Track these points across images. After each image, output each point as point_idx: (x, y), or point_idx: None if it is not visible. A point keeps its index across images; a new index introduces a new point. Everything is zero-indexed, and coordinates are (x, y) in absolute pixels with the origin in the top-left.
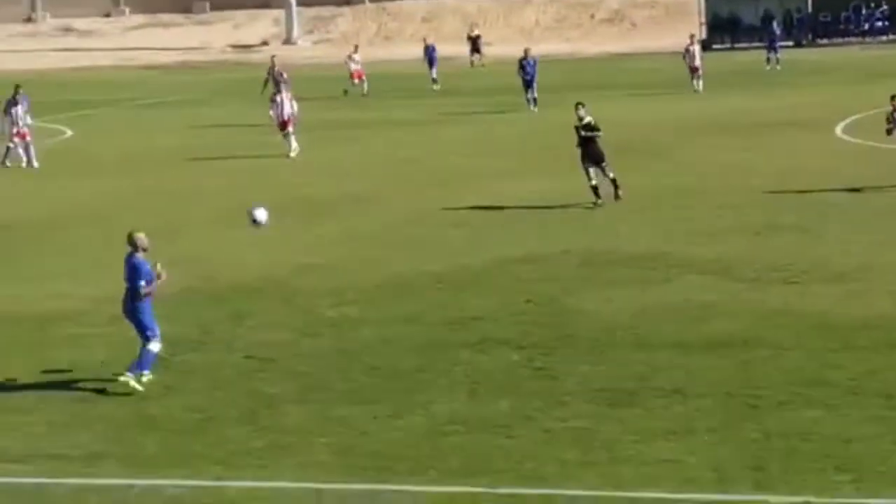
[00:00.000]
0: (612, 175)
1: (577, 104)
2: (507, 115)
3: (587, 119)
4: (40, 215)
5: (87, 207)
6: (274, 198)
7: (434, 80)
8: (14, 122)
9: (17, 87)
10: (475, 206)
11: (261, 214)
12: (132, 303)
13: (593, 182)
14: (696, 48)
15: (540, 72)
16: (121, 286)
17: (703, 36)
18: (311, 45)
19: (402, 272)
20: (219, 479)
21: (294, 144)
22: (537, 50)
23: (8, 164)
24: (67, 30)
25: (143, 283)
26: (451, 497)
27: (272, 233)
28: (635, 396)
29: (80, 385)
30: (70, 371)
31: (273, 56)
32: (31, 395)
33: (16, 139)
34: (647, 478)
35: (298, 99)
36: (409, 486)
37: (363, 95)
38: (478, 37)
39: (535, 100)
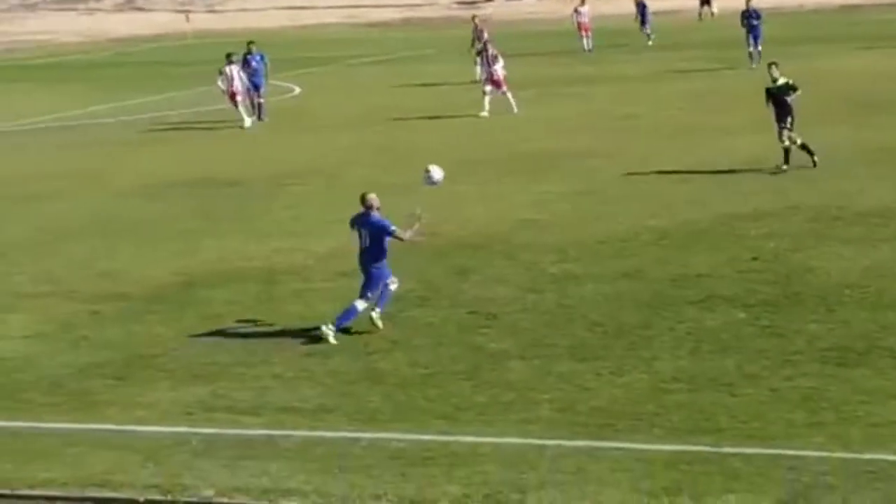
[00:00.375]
0: (798, 141)
1: (770, 63)
2: (732, 70)
3: (782, 80)
4: (269, 172)
5: (313, 164)
6: (496, 154)
7: (648, 36)
8: (238, 80)
9: (249, 43)
10: (699, 162)
11: (437, 173)
12: (373, 263)
13: (785, 144)
14: None
15: (765, 24)
16: (345, 240)
17: None
18: (535, 0)
19: (625, 228)
20: (443, 433)
21: (511, 102)
22: (762, 2)
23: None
24: None
25: (392, 228)
26: (674, 455)
27: (495, 189)
28: (865, 356)
29: (308, 340)
30: (297, 326)
31: (474, 15)
32: (259, 350)
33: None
34: (876, 439)
35: (505, 55)
36: (631, 444)
37: (587, 51)
38: None
39: (758, 54)
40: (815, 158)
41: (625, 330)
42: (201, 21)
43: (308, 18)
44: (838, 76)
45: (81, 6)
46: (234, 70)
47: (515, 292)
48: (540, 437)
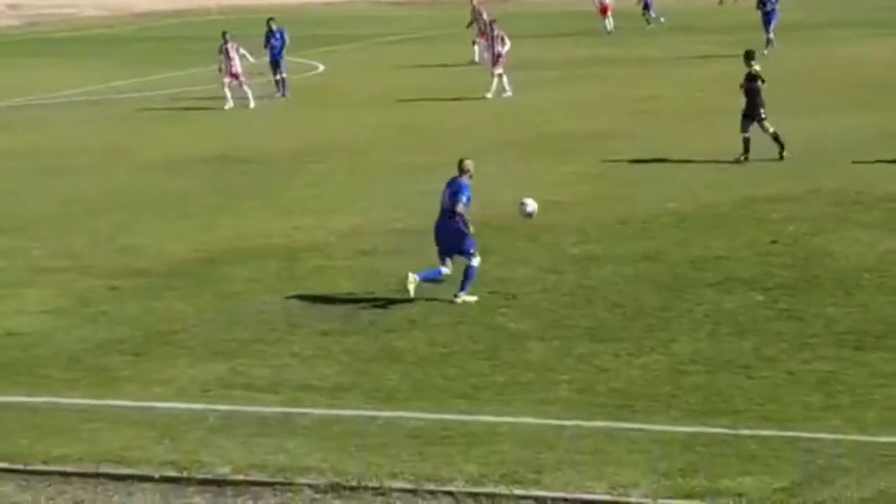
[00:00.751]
0: (770, 130)
1: (747, 52)
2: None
3: (756, 67)
4: (291, 149)
5: (336, 142)
6: (519, 136)
7: (648, 21)
8: (237, 59)
9: (270, 20)
10: (720, 146)
11: (531, 205)
12: (450, 222)
13: (746, 134)
14: None
15: (784, 9)
16: (365, 219)
17: None
18: None
19: (646, 210)
20: (461, 412)
21: (494, 87)
22: None
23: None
24: None
25: (464, 198)
26: (691, 436)
27: (518, 170)
28: (882, 340)
29: (327, 317)
30: (317, 303)
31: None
32: (278, 327)
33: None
34: (891, 422)
35: (511, 37)
36: (648, 425)
37: (609, 32)
38: None
39: (768, 41)
40: (747, 155)
41: (644, 311)
42: None
43: None
44: (861, 61)
45: None
46: (233, 48)
47: (536, 273)
48: (558, 418)
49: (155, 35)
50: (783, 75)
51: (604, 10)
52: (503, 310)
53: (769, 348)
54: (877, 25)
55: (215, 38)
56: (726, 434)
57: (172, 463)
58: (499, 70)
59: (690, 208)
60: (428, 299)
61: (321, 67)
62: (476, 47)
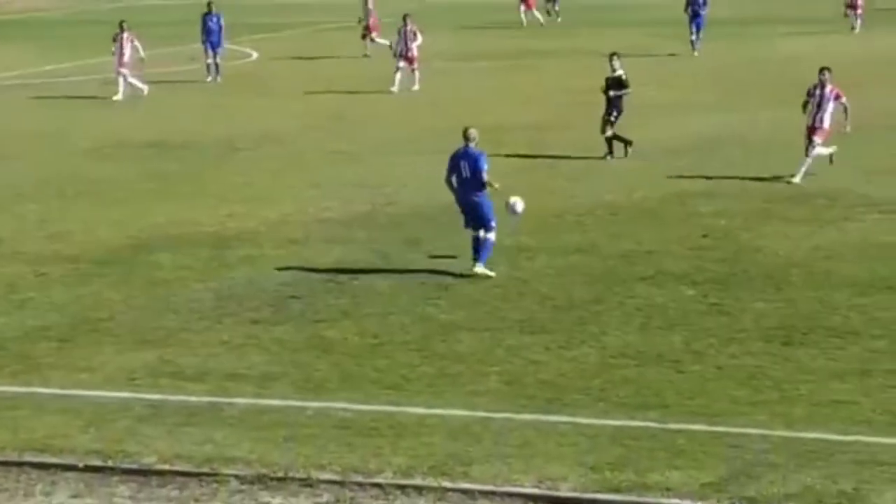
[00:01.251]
0: (608, 133)
1: (612, 55)
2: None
3: (619, 72)
4: (223, 136)
5: (266, 130)
6: (452, 125)
7: (553, 13)
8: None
9: (208, 4)
10: (654, 139)
11: (519, 205)
12: (474, 193)
13: (607, 135)
14: None
15: (720, 5)
16: (295, 207)
17: None
18: None
19: (580, 203)
20: (390, 403)
21: (415, 78)
22: None
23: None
24: None
25: (486, 167)
26: (620, 430)
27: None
28: (809, 335)
29: (256, 307)
30: (247, 292)
31: None
32: (207, 315)
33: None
34: (818, 418)
35: (423, 31)
36: (578, 418)
37: (541, 25)
38: None
39: (693, 42)
40: (630, 149)
41: (575, 304)
42: None
43: None
44: (792, 60)
45: None
46: (127, 39)
47: (467, 264)
48: (487, 410)
49: (90, 19)
50: (714, 71)
51: (526, 3)
52: (434, 301)
53: (699, 342)
54: (804, 22)
55: (155, 24)
56: (655, 428)
57: (97, 452)
58: (410, 65)
59: (624, 201)
60: (359, 289)
61: (255, 55)
62: (367, 41)
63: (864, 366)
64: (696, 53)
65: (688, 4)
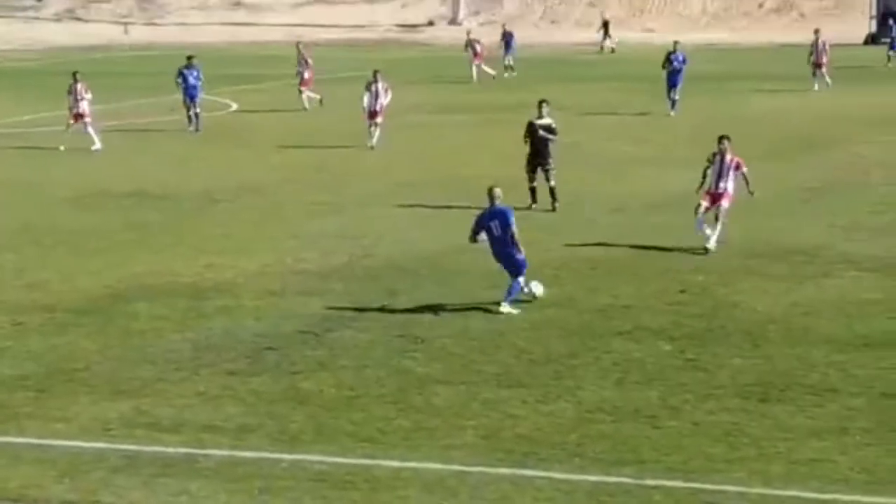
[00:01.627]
0: (552, 183)
1: (541, 102)
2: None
3: (547, 120)
4: (202, 187)
5: (245, 181)
6: (432, 177)
7: (508, 67)
8: (86, 101)
9: (189, 57)
10: (632, 194)
11: (538, 290)
12: (507, 247)
13: (533, 184)
14: (823, 43)
15: (698, 61)
16: (273, 259)
17: (873, 30)
18: (476, 26)
19: (556, 257)
20: (366, 456)
21: (377, 135)
22: (701, 38)
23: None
24: (237, 4)
25: (514, 223)
26: (595, 485)
27: (430, 212)
28: (787, 392)
29: (233, 358)
30: (223, 343)
31: (298, 42)
32: (184, 366)
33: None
34: (795, 476)
35: (394, 87)
36: (554, 473)
37: (493, 79)
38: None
39: (674, 102)
40: (557, 205)
41: (552, 358)
42: (140, 34)
43: (250, 35)
44: (776, 115)
45: (20, 14)
46: (81, 89)
47: (445, 317)
48: (463, 464)
49: (68, 69)
50: (692, 128)
51: (477, 56)
52: (411, 353)
53: (675, 398)
54: (777, 79)
55: (131, 74)
56: (630, 484)
57: (71, 503)
58: (372, 119)
59: (600, 255)
60: (336, 341)
61: (234, 106)
62: (304, 95)
63: (842, 423)
64: (672, 114)
65: (667, 60)
